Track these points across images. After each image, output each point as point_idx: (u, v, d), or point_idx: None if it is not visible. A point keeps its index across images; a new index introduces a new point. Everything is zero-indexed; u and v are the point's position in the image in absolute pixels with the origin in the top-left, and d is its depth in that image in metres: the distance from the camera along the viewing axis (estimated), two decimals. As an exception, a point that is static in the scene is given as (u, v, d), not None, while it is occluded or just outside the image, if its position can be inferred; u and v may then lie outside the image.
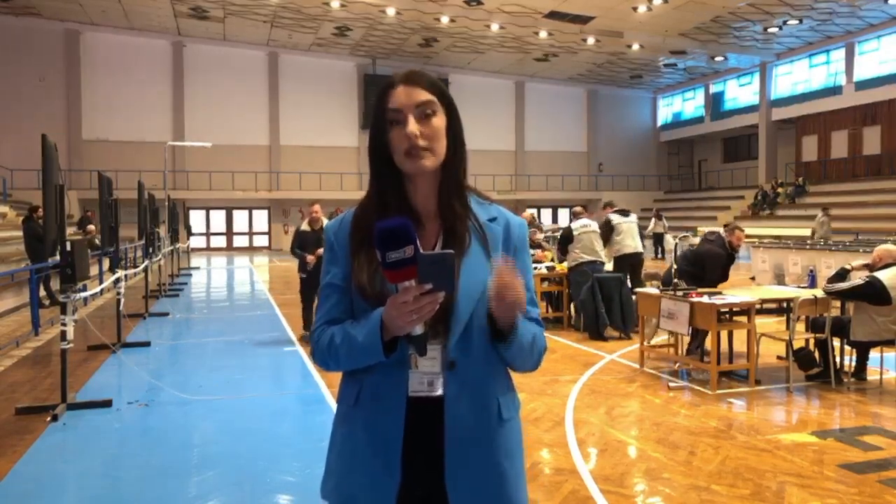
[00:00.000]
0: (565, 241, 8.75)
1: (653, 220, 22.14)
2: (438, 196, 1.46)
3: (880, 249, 5.94)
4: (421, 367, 1.41)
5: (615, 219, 9.44)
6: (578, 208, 9.59)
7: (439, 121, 1.42)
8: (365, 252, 1.42)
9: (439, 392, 1.41)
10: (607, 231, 9.35)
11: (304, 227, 7.82)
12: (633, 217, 9.74)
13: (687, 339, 6.78)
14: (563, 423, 4.92)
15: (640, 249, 9.44)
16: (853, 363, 6.15)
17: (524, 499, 1.49)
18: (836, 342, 6.07)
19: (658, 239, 21.83)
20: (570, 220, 9.23)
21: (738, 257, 7.57)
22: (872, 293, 5.59)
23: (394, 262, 1.24)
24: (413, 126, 1.38)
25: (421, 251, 1.25)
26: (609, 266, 9.46)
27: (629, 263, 9.31)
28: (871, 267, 5.89)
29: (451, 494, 1.39)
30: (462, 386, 1.42)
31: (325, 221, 7.31)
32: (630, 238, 9.36)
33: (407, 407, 1.40)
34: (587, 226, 8.71)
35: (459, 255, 1.41)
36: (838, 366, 6.04)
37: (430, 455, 1.41)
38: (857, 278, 5.82)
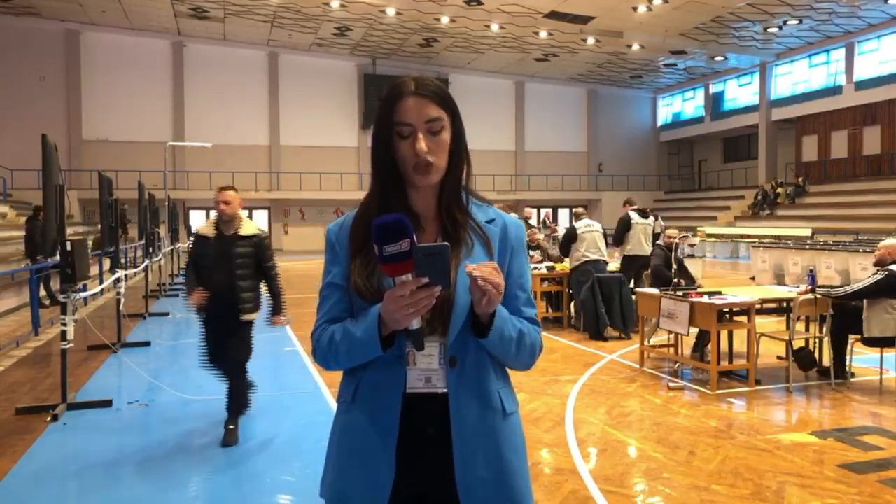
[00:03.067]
0: (569, 239, 8.77)
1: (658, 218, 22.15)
2: (438, 204, 1.49)
3: (887, 245, 5.91)
4: (419, 364, 1.42)
5: (634, 217, 9.48)
6: (580, 209, 9.63)
7: (446, 135, 1.45)
8: (364, 253, 1.44)
9: (438, 388, 1.42)
10: (623, 229, 9.38)
11: (205, 229, 4.70)
12: (651, 219, 9.78)
13: (685, 339, 6.77)
14: (563, 423, 4.92)
15: (649, 252, 9.44)
16: (851, 362, 6.15)
17: (530, 493, 1.50)
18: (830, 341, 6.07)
19: (655, 239, 21.80)
20: (572, 221, 9.27)
21: (683, 255, 7.65)
22: (892, 286, 5.56)
23: (390, 256, 1.26)
24: (423, 144, 1.40)
25: (417, 244, 1.26)
26: (616, 265, 9.50)
27: (638, 265, 9.34)
28: (881, 262, 5.85)
29: (461, 491, 1.40)
30: (464, 382, 1.43)
31: (246, 220, 4.70)
32: (643, 239, 9.41)
33: (404, 403, 1.41)
34: (590, 225, 8.80)
35: (458, 254, 1.43)
36: (847, 365, 6.04)
37: (429, 451, 1.42)
38: (872, 275, 5.77)
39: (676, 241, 7.25)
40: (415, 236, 1.27)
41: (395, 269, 1.27)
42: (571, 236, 8.73)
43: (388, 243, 1.25)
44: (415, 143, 1.40)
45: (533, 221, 12.46)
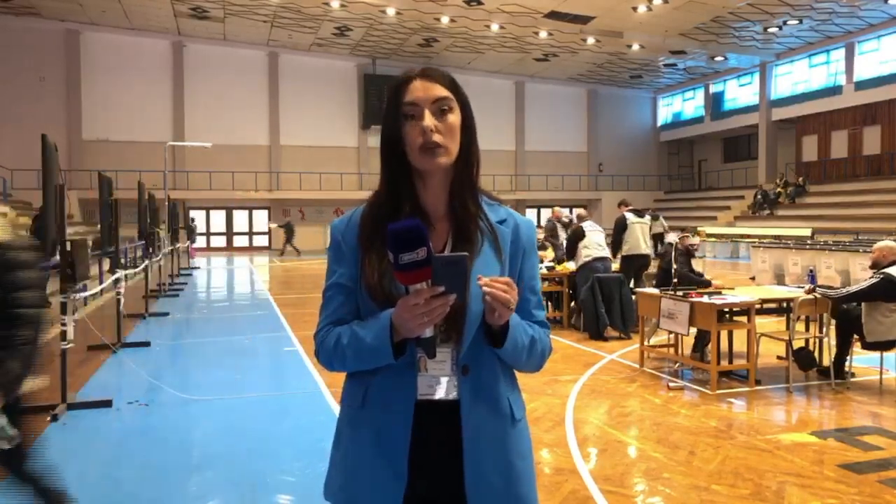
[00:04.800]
0: (575, 239, 8.84)
1: (659, 219, 22.28)
2: (450, 195, 1.45)
3: (882, 247, 5.92)
4: (430, 371, 1.41)
5: (630, 218, 9.52)
6: (584, 212, 9.66)
7: (455, 118, 1.41)
8: (374, 252, 1.41)
9: (449, 395, 1.41)
10: (621, 229, 9.42)
11: None
12: (647, 218, 9.82)
13: (685, 339, 6.77)
14: (563, 423, 4.92)
15: (649, 252, 9.54)
16: (851, 363, 6.15)
17: (536, 499, 1.49)
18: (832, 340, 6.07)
19: (659, 239, 21.97)
20: (576, 221, 9.34)
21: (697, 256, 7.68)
22: (889, 289, 5.56)
23: (407, 264, 1.22)
24: (429, 120, 1.37)
25: (434, 253, 1.23)
26: (615, 265, 9.55)
27: (637, 265, 9.39)
28: (876, 265, 5.87)
29: (470, 498, 1.39)
30: (475, 389, 1.42)
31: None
32: (641, 239, 9.45)
33: (414, 409, 1.40)
34: (593, 226, 8.99)
35: (471, 257, 1.39)
36: (847, 365, 6.05)
37: (439, 458, 1.41)
38: (869, 278, 5.77)
39: (676, 241, 7.27)
40: (430, 243, 1.23)
41: (410, 278, 1.24)
42: (579, 235, 8.80)
43: (404, 251, 1.21)
44: (421, 122, 1.37)
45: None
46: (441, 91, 1.40)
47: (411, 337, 1.32)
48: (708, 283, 6.96)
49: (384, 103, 1.46)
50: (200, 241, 29.32)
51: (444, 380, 1.41)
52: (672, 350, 6.95)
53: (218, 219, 31.46)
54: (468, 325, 1.38)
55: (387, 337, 1.32)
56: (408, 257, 1.21)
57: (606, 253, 8.72)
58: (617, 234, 9.57)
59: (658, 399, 5.57)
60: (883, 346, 5.73)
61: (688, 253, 7.25)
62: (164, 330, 9.20)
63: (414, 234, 1.21)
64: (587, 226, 8.89)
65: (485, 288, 1.29)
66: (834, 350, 6.05)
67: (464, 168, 1.45)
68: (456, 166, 1.43)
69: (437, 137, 1.37)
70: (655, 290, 6.61)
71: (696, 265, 7.74)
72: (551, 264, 9.53)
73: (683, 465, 4.06)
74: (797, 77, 28.36)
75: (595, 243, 8.66)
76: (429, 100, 1.38)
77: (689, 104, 35.13)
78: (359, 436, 1.44)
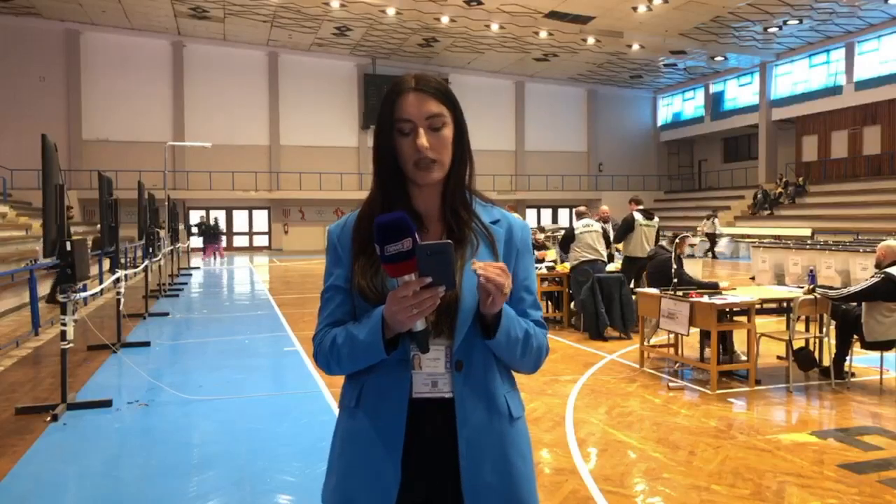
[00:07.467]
0: (567, 240, 8.81)
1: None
2: (442, 202, 1.46)
3: (884, 247, 5.93)
4: (424, 368, 1.40)
5: (639, 219, 9.45)
6: (583, 208, 9.61)
7: (448, 132, 1.42)
8: (367, 254, 1.42)
9: (444, 393, 1.40)
10: (627, 229, 9.36)
11: None
12: (656, 221, 9.73)
13: (686, 338, 6.77)
14: (563, 423, 4.92)
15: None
16: (851, 363, 6.15)
17: (536, 499, 1.48)
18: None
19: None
20: (573, 220, 9.29)
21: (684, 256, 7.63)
22: (890, 289, 5.56)
23: (392, 255, 1.23)
24: (423, 139, 1.38)
25: (420, 243, 1.24)
26: (617, 264, 9.50)
27: (639, 266, 9.35)
28: (878, 264, 5.89)
29: (467, 497, 1.38)
30: (470, 386, 1.41)
31: None
32: (646, 241, 9.39)
33: (410, 408, 1.39)
34: (589, 225, 8.80)
35: (464, 255, 1.41)
36: (847, 365, 6.04)
37: (435, 456, 1.40)
38: (870, 278, 5.78)
39: (677, 241, 7.25)
40: (417, 235, 1.24)
41: (397, 269, 1.25)
42: (570, 237, 8.77)
43: (389, 242, 1.23)
44: (416, 140, 1.38)
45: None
46: (435, 107, 1.40)
47: (402, 330, 1.31)
48: (716, 285, 6.88)
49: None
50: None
51: (438, 376, 1.40)
52: (672, 350, 6.95)
53: (218, 219, 31.41)
54: (460, 318, 1.37)
55: (378, 332, 1.32)
56: (393, 248, 1.23)
57: (598, 256, 8.58)
58: (621, 234, 9.50)
59: (658, 399, 5.57)
60: (883, 345, 5.73)
61: (679, 257, 7.21)
62: (164, 330, 9.21)
63: (399, 225, 1.23)
64: (580, 226, 8.75)
65: (479, 270, 1.29)
66: (834, 350, 6.05)
67: (456, 176, 1.46)
68: (448, 174, 1.44)
69: (430, 154, 1.38)
70: (655, 291, 6.61)
71: (696, 265, 7.73)
72: (551, 264, 9.53)
73: (683, 465, 4.06)
74: (797, 77, 28.37)
75: (586, 245, 8.58)
76: (422, 116, 1.39)
77: (689, 104, 35.14)
78: (353, 435, 1.44)
